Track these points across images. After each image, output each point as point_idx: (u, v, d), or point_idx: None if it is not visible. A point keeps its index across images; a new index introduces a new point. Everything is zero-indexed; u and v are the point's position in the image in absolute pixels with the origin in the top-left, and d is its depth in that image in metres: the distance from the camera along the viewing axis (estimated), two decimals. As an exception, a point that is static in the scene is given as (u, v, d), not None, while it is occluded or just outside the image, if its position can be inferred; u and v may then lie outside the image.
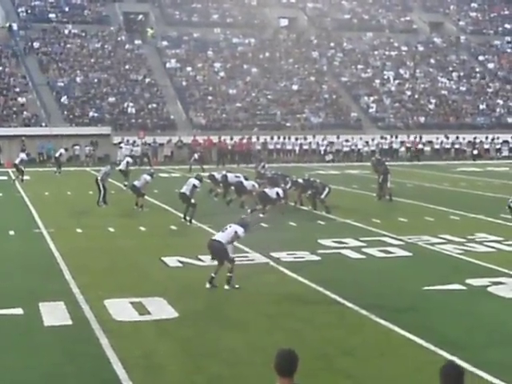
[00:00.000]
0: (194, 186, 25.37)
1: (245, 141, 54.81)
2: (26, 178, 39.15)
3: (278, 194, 26.69)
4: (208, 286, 16.20)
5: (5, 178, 41.12)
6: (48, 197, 33.38)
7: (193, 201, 25.28)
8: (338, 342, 12.73)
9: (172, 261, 18.98)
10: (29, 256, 20.01)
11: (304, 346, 11.42)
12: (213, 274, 16.29)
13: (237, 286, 16.20)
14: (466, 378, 6.61)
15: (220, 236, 16.42)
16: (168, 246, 21.09)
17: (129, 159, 36.59)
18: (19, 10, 67.45)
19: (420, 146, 57.29)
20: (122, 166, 35.13)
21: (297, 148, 56.25)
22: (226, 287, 16.16)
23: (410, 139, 58.11)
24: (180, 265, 18.68)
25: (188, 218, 25.27)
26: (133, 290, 15.84)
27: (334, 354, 12.13)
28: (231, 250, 16.32)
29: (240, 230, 16.39)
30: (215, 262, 16.46)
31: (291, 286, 16.69)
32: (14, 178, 39.39)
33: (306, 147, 56.54)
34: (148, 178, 28.71)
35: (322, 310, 14.74)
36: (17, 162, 39.55)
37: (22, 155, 40.52)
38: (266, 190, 26.90)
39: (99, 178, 30.06)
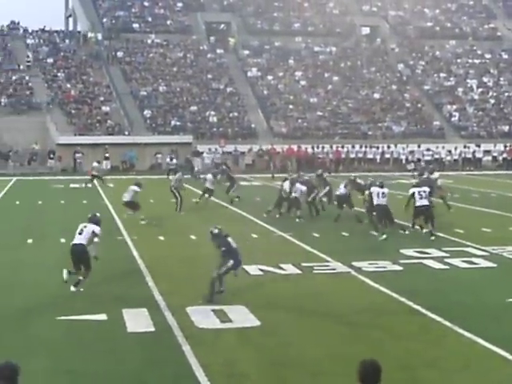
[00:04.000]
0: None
1: (334, 148, 55.42)
2: (110, 185, 40.34)
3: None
4: (73, 289, 16.39)
5: (89, 185, 41.80)
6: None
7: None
8: (421, 353, 12.56)
9: (253, 269, 19.01)
10: (112, 263, 20.24)
11: (386, 356, 11.32)
12: (80, 277, 16.58)
13: (81, 290, 16.46)
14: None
15: (80, 238, 16.69)
16: (249, 253, 21.02)
17: (209, 176, 33.19)
18: (104, 20, 68.82)
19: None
20: (209, 185, 32.51)
21: (378, 157, 55.94)
22: (73, 289, 16.39)
23: (496, 148, 57.38)
24: (261, 273, 18.73)
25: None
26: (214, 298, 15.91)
27: (416, 366, 11.98)
28: (93, 249, 16.74)
29: (96, 229, 16.80)
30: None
31: (373, 295, 16.58)
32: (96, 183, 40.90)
33: (387, 156, 56.22)
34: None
35: (404, 320, 14.60)
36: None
37: (106, 162, 41.64)
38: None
39: (173, 186, 30.37)
